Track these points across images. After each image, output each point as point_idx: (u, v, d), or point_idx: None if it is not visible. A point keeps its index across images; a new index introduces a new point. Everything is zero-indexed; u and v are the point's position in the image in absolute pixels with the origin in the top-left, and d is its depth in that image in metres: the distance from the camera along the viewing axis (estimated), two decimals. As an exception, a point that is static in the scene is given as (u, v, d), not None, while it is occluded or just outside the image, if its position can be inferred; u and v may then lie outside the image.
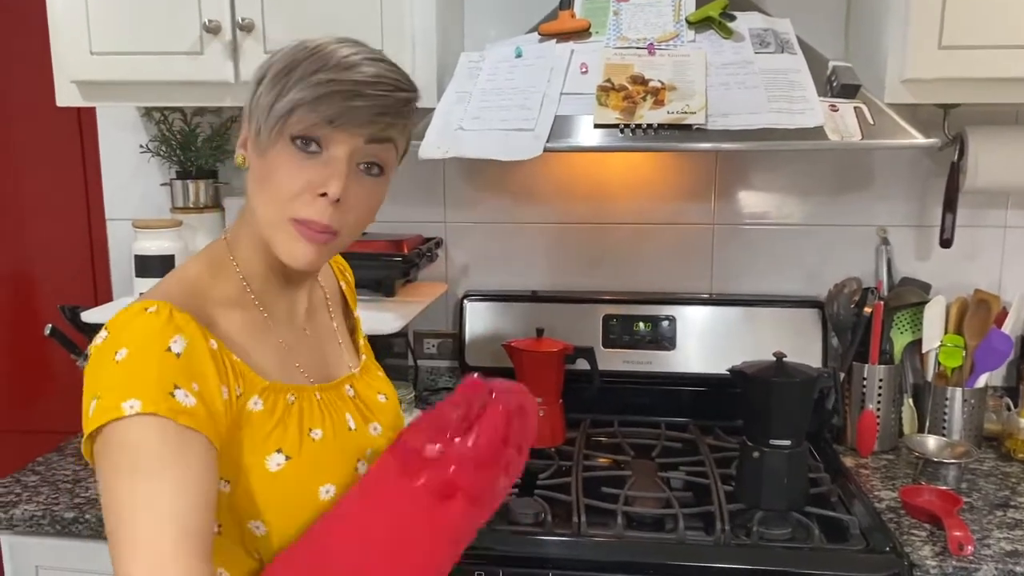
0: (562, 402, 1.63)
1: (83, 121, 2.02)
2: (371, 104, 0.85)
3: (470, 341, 1.81)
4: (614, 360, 1.76)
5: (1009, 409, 1.68)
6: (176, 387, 0.78)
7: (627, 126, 1.36)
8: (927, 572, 1.24)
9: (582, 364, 1.62)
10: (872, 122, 1.35)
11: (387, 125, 0.87)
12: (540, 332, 1.64)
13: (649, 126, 1.35)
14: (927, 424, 1.67)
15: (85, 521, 1.39)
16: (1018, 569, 1.23)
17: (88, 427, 0.78)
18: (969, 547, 1.26)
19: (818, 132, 1.32)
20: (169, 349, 0.79)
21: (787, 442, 1.34)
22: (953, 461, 1.51)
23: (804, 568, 1.23)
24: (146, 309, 0.81)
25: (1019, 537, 1.32)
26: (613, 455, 1.61)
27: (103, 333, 0.82)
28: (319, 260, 0.89)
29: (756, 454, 1.35)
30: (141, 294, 0.91)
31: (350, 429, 0.97)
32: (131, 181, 1.90)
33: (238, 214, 0.96)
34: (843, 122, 1.34)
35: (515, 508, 1.37)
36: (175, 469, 0.77)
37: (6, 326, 2.21)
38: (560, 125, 1.38)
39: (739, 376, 1.37)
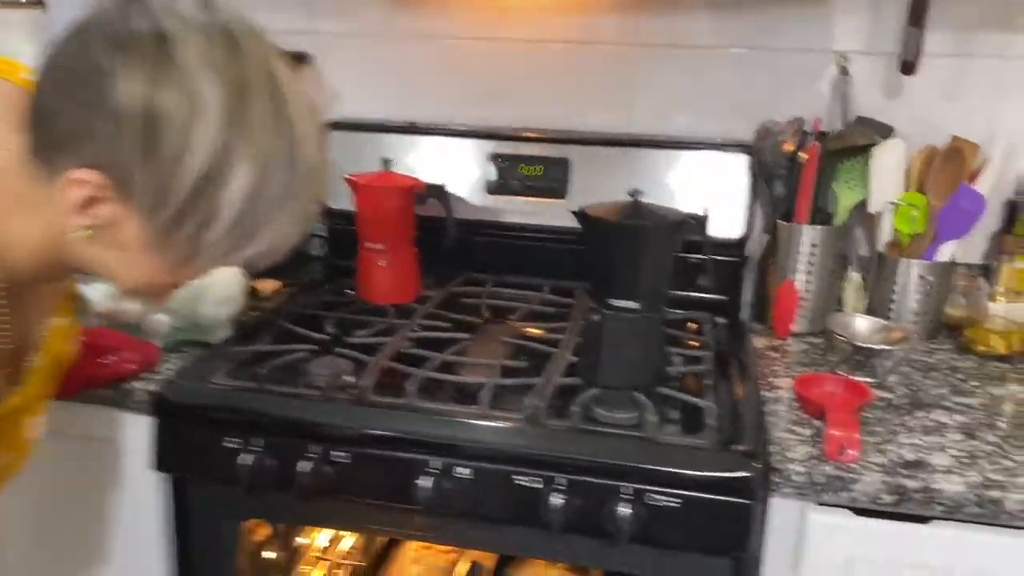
0: (416, 251, 1.36)
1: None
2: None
3: (337, 178, 1.52)
4: (501, 208, 1.46)
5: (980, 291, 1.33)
6: None
7: None
8: (788, 478, 0.95)
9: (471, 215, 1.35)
10: None
11: None
12: (387, 163, 1.34)
13: None
14: (868, 303, 1.34)
15: None
16: (912, 484, 0.93)
17: None
18: (851, 451, 0.96)
19: None
20: None
21: (633, 304, 1.04)
22: (884, 347, 1.18)
23: (619, 460, 0.94)
24: None
25: (931, 444, 1.01)
26: (465, 317, 1.33)
27: None
28: None
29: (596, 317, 1.06)
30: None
31: None
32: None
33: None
34: None
35: (310, 369, 1.12)
36: None
37: None
38: None
39: (582, 219, 1.06)
